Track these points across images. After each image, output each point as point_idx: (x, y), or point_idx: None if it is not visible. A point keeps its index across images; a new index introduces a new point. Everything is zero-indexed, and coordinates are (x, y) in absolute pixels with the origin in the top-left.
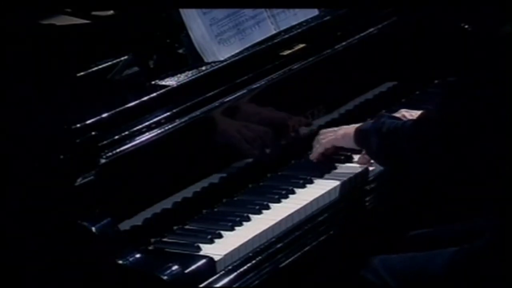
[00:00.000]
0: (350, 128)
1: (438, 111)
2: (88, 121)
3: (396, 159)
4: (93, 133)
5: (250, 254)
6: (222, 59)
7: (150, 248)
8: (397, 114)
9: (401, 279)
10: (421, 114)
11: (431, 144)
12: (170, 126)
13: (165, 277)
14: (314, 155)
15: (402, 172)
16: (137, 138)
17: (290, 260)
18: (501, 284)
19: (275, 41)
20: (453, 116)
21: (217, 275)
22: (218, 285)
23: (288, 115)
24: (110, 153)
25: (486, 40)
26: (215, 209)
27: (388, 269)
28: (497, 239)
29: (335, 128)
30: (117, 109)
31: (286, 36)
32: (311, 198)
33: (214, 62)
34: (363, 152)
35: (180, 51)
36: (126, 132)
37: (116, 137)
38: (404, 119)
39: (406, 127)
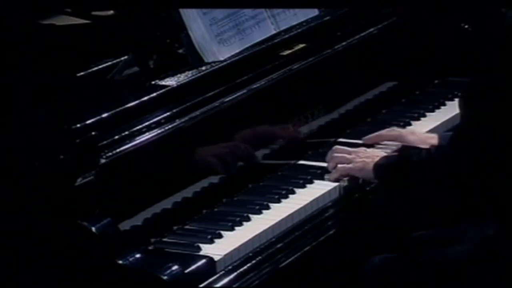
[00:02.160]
0: (369, 162)
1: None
2: (88, 121)
3: (428, 185)
4: (93, 133)
5: (250, 254)
6: (222, 59)
7: (150, 248)
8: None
9: (402, 278)
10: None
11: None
12: (170, 126)
13: (165, 277)
14: (331, 179)
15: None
16: (137, 138)
17: (290, 260)
18: (504, 285)
19: (275, 41)
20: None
21: (217, 275)
22: (218, 285)
23: (288, 115)
24: (110, 153)
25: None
26: (215, 209)
27: (388, 269)
28: (498, 240)
29: (349, 149)
30: (117, 109)
31: (286, 36)
32: (311, 198)
33: (214, 62)
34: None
35: (180, 51)
36: (126, 132)
37: (116, 137)
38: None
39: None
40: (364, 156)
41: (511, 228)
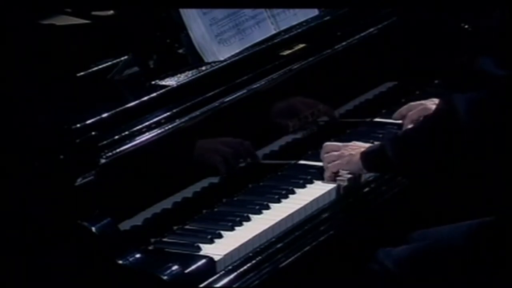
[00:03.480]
0: (356, 154)
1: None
2: (88, 121)
3: (418, 156)
4: (93, 133)
5: (250, 254)
6: (222, 59)
7: (150, 248)
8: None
9: (406, 267)
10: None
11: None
12: (170, 126)
13: (165, 277)
14: (326, 178)
15: (423, 172)
16: (137, 138)
17: (290, 260)
18: (501, 281)
19: (275, 41)
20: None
21: (217, 275)
22: (218, 285)
23: (288, 115)
24: (110, 153)
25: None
26: (215, 209)
27: (392, 259)
28: (507, 238)
29: (339, 144)
30: (117, 109)
31: (286, 36)
32: (311, 198)
33: (214, 62)
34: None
35: (180, 51)
36: (126, 132)
37: (116, 137)
38: None
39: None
40: (351, 149)
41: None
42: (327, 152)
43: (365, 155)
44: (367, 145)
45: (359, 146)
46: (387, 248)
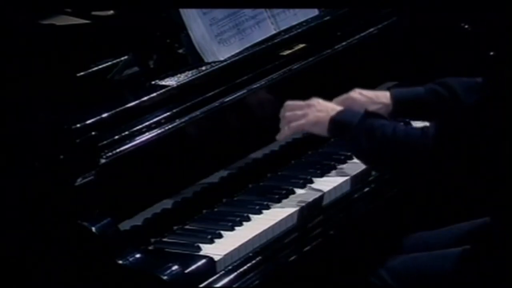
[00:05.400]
0: (324, 116)
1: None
2: (88, 121)
3: (390, 163)
4: (93, 133)
5: (250, 254)
6: (222, 59)
7: (150, 248)
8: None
9: (403, 280)
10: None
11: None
12: (170, 126)
13: (165, 277)
14: (281, 136)
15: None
16: (137, 138)
17: (290, 260)
18: (503, 285)
19: (275, 41)
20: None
21: (217, 275)
22: (218, 285)
23: None
24: (110, 153)
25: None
26: (215, 209)
27: (389, 270)
28: (500, 240)
29: (301, 103)
30: (117, 109)
31: (286, 36)
32: (311, 198)
33: (214, 62)
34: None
35: (180, 51)
36: (126, 132)
37: (116, 137)
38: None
39: (402, 133)
40: (317, 110)
41: (507, 224)
42: (289, 111)
43: (334, 123)
44: (331, 104)
45: (326, 106)
46: (382, 256)
